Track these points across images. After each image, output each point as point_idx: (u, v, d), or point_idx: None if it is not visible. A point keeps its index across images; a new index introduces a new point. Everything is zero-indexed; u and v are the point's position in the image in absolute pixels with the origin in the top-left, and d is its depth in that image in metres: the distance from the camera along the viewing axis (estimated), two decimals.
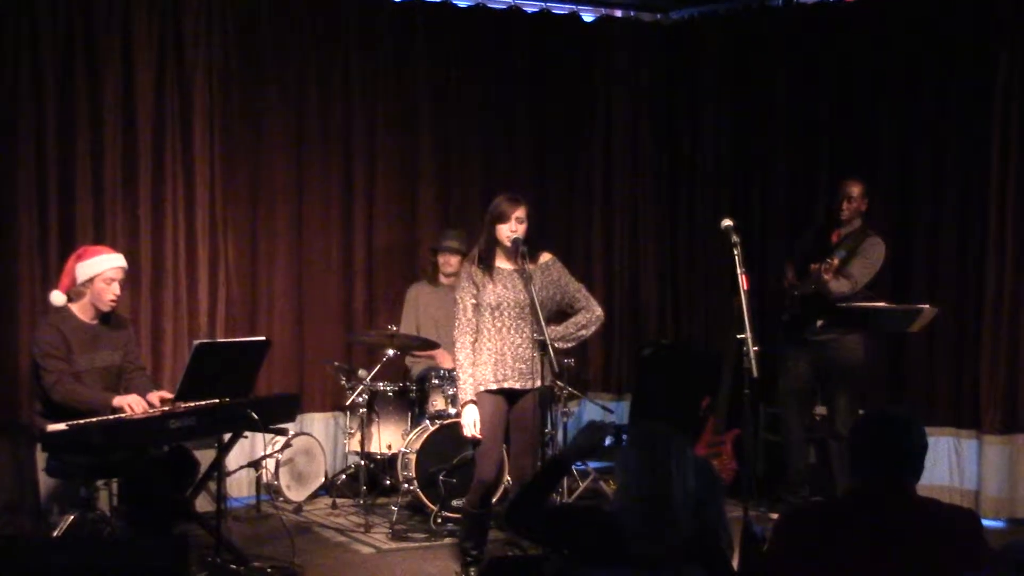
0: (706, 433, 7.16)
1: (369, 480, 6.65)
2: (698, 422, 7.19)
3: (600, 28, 8.37)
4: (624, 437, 3.33)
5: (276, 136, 7.26)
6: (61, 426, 4.80)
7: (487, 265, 5.17)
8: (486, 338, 5.14)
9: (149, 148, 6.73)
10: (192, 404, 5.07)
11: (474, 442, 5.23)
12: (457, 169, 7.91)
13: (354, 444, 6.80)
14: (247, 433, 5.52)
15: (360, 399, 6.64)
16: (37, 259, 6.39)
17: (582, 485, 6.93)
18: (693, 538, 3.06)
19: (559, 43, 8.18)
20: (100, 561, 3.58)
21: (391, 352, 6.73)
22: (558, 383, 6.47)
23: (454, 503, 6.15)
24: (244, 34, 7.08)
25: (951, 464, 6.88)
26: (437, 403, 6.56)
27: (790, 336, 6.58)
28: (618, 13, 8.41)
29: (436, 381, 6.60)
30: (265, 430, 5.35)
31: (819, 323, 6.35)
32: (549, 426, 6.04)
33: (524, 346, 5.12)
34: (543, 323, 4.96)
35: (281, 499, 6.85)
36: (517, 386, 5.13)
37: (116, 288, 5.32)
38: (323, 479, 7.13)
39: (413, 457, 6.28)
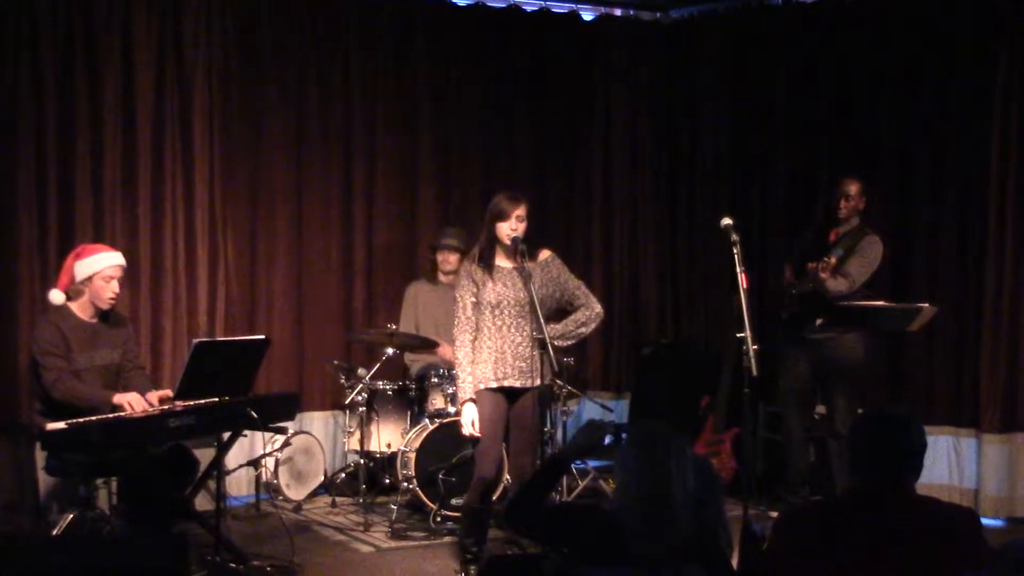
0: (705, 432, 7.16)
1: (368, 479, 6.65)
2: (697, 421, 7.20)
3: (599, 27, 8.37)
4: (623, 436, 3.33)
5: (276, 136, 7.26)
6: (60, 425, 4.80)
7: (487, 263, 5.17)
8: (486, 336, 5.14)
9: (149, 148, 6.73)
10: (191, 403, 5.07)
11: (473, 440, 5.24)
12: (457, 168, 7.91)
13: (353, 443, 6.80)
14: (246, 432, 5.52)
15: (359, 398, 6.64)
16: (37, 258, 6.39)
17: (581, 484, 6.94)
18: (693, 537, 3.06)
19: (558, 42, 8.19)
20: (99, 560, 3.57)
21: (390, 351, 6.74)
22: (557, 382, 6.47)
23: (453, 502, 6.15)
24: (244, 34, 7.08)
25: (950, 463, 6.88)
26: (436, 402, 6.57)
27: (789, 335, 6.58)
28: (617, 12, 8.41)
29: (435, 380, 6.60)
30: (264, 429, 5.35)
31: (819, 322, 6.34)
32: (548, 425, 6.04)
33: (524, 344, 5.12)
34: (542, 321, 4.96)
35: (280, 498, 6.85)
36: (517, 384, 5.13)
37: (115, 286, 5.33)
38: (322, 478, 7.13)
39: (412, 456, 6.28)
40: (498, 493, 5.86)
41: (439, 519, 6.22)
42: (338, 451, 7.42)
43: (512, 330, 5.13)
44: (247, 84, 7.12)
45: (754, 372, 4.90)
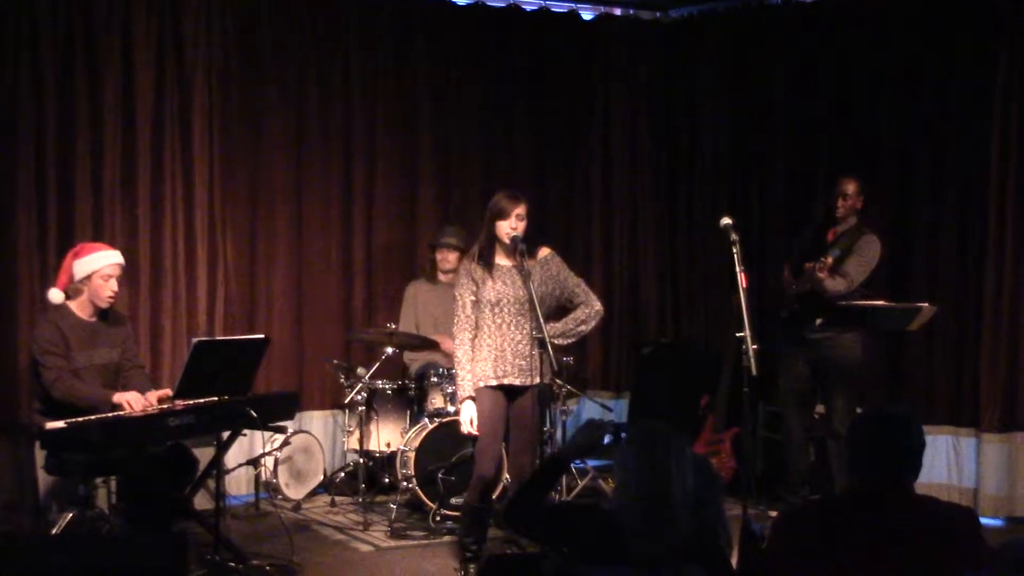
0: (705, 431, 7.16)
1: (368, 478, 6.65)
2: (697, 421, 7.20)
3: (599, 26, 8.37)
4: (623, 435, 3.33)
5: (275, 135, 7.26)
6: (60, 424, 4.80)
7: (487, 262, 5.17)
8: (486, 334, 5.14)
9: (148, 147, 6.73)
10: (191, 402, 5.07)
11: (472, 439, 5.24)
12: (456, 168, 7.91)
13: (353, 442, 6.80)
14: (246, 431, 5.52)
15: (359, 397, 6.64)
16: (36, 258, 6.39)
17: (581, 483, 6.94)
18: (692, 537, 3.06)
19: (558, 41, 8.19)
20: (99, 559, 3.57)
21: (390, 350, 6.74)
22: (557, 381, 6.47)
23: (453, 501, 6.15)
24: (244, 34, 7.08)
25: (950, 462, 6.88)
26: (436, 401, 6.57)
27: (788, 335, 6.58)
28: (617, 11, 8.41)
29: (435, 379, 6.60)
30: (264, 428, 5.35)
31: (818, 321, 6.34)
32: (548, 424, 6.04)
33: (524, 342, 5.13)
34: (542, 320, 4.96)
35: (280, 497, 6.85)
36: (517, 382, 5.13)
37: (113, 285, 5.33)
38: (322, 477, 7.13)
39: (412, 455, 6.28)
40: (498, 492, 5.87)
41: (438, 518, 6.22)
42: (337, 450, 7.42)
43: (512, 328, 5.13)
44: (247, 84, 7.12)
45: (754, 371, 4.90)
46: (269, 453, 6.76)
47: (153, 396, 5.17)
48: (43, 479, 5.92)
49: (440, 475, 6.18)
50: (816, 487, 6.62)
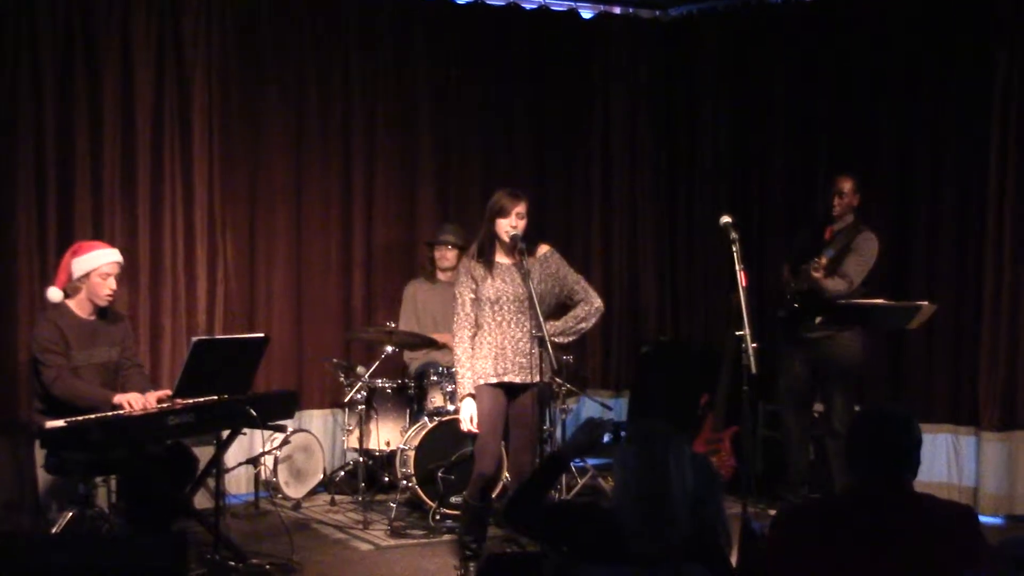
0: (705, 430, 7.16)
1: (368, 477, 6.65)
2: (697, 419, 7.20)
3: (599, 25, 8.37)
4: (622, 434, 3.33)
5: (275, 135, 7.26)
6: (60, 423, 4.80)
7: (486, 260, 5.17)
8: (486, 332, 5.14)
9: (148, 147, 6.73)
10: (191, 401, 5.07)
11: (472, 437, 5.23)
12: (456, 167, 7.91)
13: (353, 441, 6.80)
14: (246, 430, 5.53)
15: (359, 396, 6.65)
16: (36, 257, 6.39)
17: (580, 482, 6.94)
18: (692, 536, 3.06)
19: (558, 40, 8.19)
20: (99, 558, 3.57)
21: (389, 349, 6.74)
22: (557, 379, 6.47)
23: (453, 500, 6.16)
24: (243, 33, 7.08)
25: (950, 461, 6.88)
26: (436, 400, 6.57)
27: (786, 334, 6.58)
28: (616, 10, 8.41)
29: (435, 378, 6.61)
30: (264, 427, 5.36)
31: (818, 320, 6.34)
32: (547, 423, 6.04)
33: (524, 340, 5.12)
34: (541, 319, 4.96)
35: (280, 496, 6.85)
36: (517, 380, 5.13)
37: (112, 283, 5.32)
38: (322, 476, 7.14)
39: (412, 454, 6.28)
40: (498, 491, 5.87)
41: (438, 517, 6.22)
42: (337, 449, 7.43)
43: (512, 326, 5.13)
44: (247, 83, 7.12)
45: (753, 370, 4.90)
46: (269, 452, 6.76)
47: (153, 397, 5.16)
48: (43, 478, 5.91)
49: (440, 474, 6.19)
50: (816, 486, 6.63)
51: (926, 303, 6.09)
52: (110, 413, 4.99)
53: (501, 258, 5.19)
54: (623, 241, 8.47)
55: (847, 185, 6.44)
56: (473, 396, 5.14)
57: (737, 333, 4.95)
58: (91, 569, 3.52)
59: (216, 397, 5.13)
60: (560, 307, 5.33)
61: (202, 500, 5.88)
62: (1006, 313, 6.65)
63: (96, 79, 6.56)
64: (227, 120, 7.02)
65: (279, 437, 6.69)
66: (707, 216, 7.91)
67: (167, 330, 6.77)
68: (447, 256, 7.00)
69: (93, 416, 4.91)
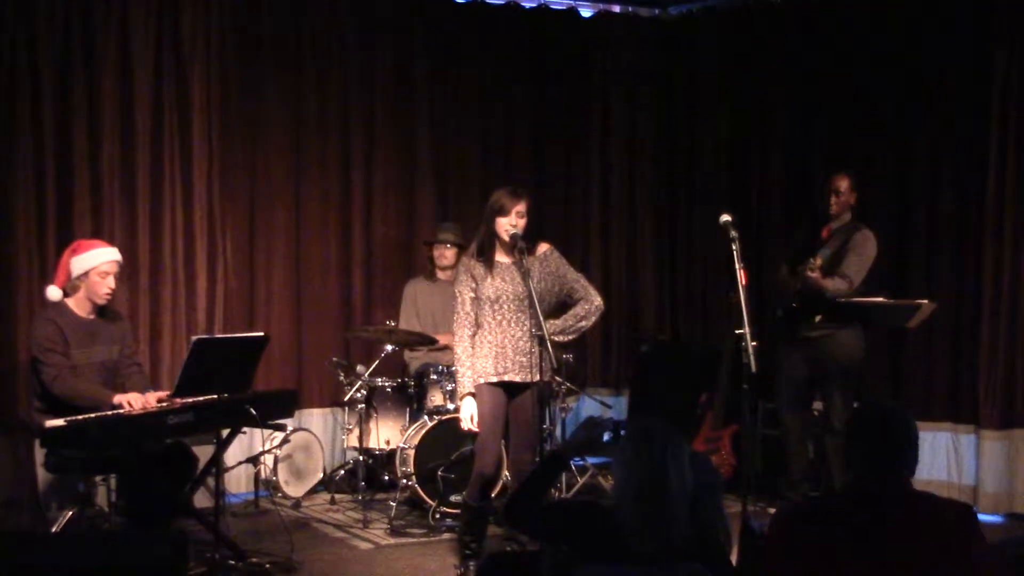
0: (704, 429, 7.16)
1: (367, 476, 6.65)
2: (696, 418, 7.20)
3: (598, 24, 8.37)
4: (622, 433, 3.33)
5: (274, 134, 7.27)
6: (59, 422, 4.80)
7: (486, 258, 5.16)
8: (486, 331, 5.14)
9: (147, 146, 6.72)
10: (190, 400, 5.07)
11: (472, 437, 5.23)
12: (455, 166, 7.92)
13: (352, 440, 6.80)
14: (245, 429, 5.53)
15: (358, 395, 6.64)
16: (35, 257, 6.39)
17: (580, 480, 6.94)
18: (692, 535, 3.06)
19: (557, 39, 8.19)
20: (99, 557, 3.57)
21: (389, 348, 6.74)
22: (556, 378, 6.46)
23: (452, 498, 6.16)
24: (242, 32, 7.08)
25: (949, 459, 6.88)
26: (435, 399, 6.57)
27: (785, 333, 6.57)
28: (616, 8, 8.42)
29: (434, 377, 6.61)
30: (263, 426, 5.36)
31: (817, 318, 6.34)
32: (547, 421, 6.04)
33: (524, 339, 5.11)
34: (541, 318, 4.95)
35: (279, 495, 6.85)
36: (517, 379, 5.12)
37: (111, 282, 5.32)
38: (321, 475, 7.14)
39: (411, 453, 6.28)
40: (497, 489, 5.87)
41: (438, 516, 6.22)
42: (337, 448, 7.43)
43: (512, 325, 5.12)
44: (245, 82, 7.12)
45: (753, 368, 4.89)
46: (269, 451, 6.76)
47: (153, 397, 5.16)
48: (43, 477, 5.92)
49: (439, 473, 6.19)
50: (815, 484, 6.62)
51: (926, 302, 6.09)
52: (110, 412, 4.99)
53: (501, 257, 5.18)
54: (622, 239, 8.47)
55: (843, 183, 6.44)
56: (473, 395, 5.13)
57: (737, 331, 4.94)
58: (91, 568, 3.52)
59: (216, 396, 5.12)
60: (560, 306, 5.32)
61: (202, 499, 5.87)
62: (1005, 312, 6.64)
63: (95, 79, 6.56)
64: (226, 119, 7.02)
65: (279, 436, 6.69)
66: (706, 214, 7.91)
67: (167, 329, 6.77)
68: (446, 255, 7.01)
69: (93, 415, 4.91)
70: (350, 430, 6.88)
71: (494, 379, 5.12)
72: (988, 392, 6.66)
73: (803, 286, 6.28)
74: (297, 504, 6.83)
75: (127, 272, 6.30)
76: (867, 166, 7.15)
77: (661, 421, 3.18)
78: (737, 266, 4.92)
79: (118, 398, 5.08)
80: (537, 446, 5.24)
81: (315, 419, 7.38)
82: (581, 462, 7.02)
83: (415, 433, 6.38)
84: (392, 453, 6.63)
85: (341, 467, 7.20)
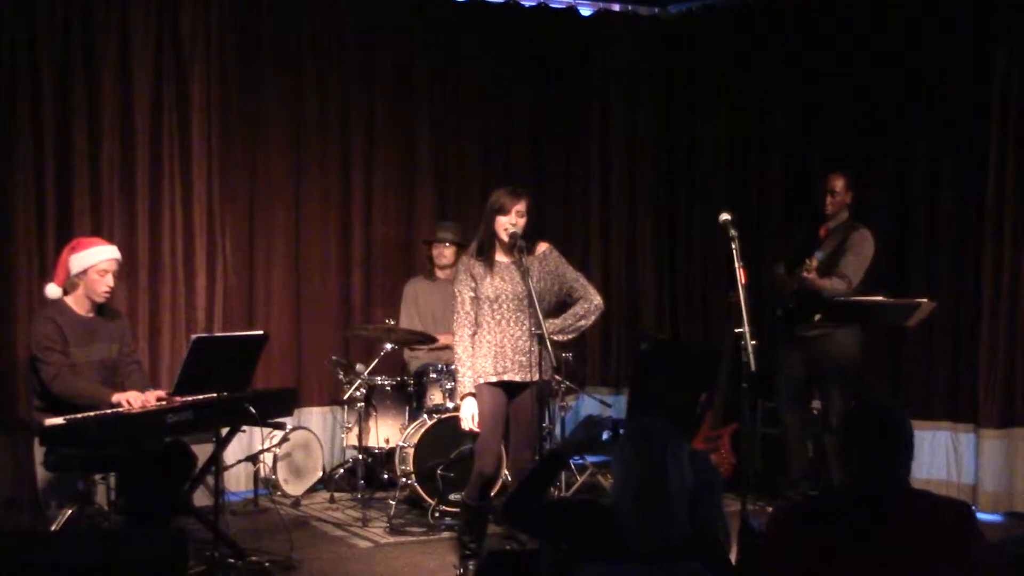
0: (704, 428, 7.16)
1: (367, 474, 6.65)
2: (696, 417, 7.20)
3: (598, 22, 8.37)
4: (621, 431, 3.33)
5: (274, 133, 7.27)
6: (59, 420, 4.80)
7: (486, 258, 5.16)
8: (486, 331, 5.13)
9: (147, 145, 6.73)
10: (190, 398, 5.07)
11: (472, 436, 5.23)
12: (455, 166, 7.92)
13: (352, 438, 6.80)
14: (245, 427, 5.52)
15: (358, 393, 6.64)
16: (35, 256, 6.39)
17: (580, 479, 6.94)
18: (691, 534, 3.05)
19: (557, 38, 8.19)
20: (98, 556, 3.57)
21: (389, 346, 6.74)
22: (556, 377, 6.46)
23: (452, 497, 6.16)
24: (242, 32, 7.08)
25: (948, 458, 6.88)
26: (435, 397, 6.57)
27: (783, 332, 6.57)
28: (616, 7, 8.42)
29: (434, 375, 6.61)
30: (263, 424, 5.35)
31: (817, 317, 6.34)
32: (547, 420, 6.04)
33: (524, 339, 5.11)
34: (540, 317, 4.94)
35: (279, 493, 6.85)
36: (517, 378, 5.12)
37: (110, 280, 5.32)
38: (321, 473, 7.14)
39: (411, 451, 6.28)
40: (497, 488, 5.87)
41: (437, 514, 6.22)
42: (336, 447, 7.43)
43: (511, 324, 5.12)
44: (245, 81, 7.12)
45: (753, 367, 4.89)
46: (268, 449, 6.76)
47: (152, 396, 5.16)
48: (42, 475, 5.92)
49: (439, 471, 6.19)
50: (815, 483, 6.62)
51: (925, 300, 6.09)
52: (109, 411, 4.99)
53: (501, 256, 5.17)
54: (622, 239, 8.47)
55: (839, 183, 6.44)
56: (474, 395, 5.13)
57: (736, 330, 4.94)
58: (91, 567, 3.52)
59: (215, 394, 5.12)
60: (560, 305, 5.32)
61: (201, 497, 5.87)
62: (1005, 311, 6.65)
63: (95, 79, 6.56)
64: (226, 119, 7.02)
65: (278, 434, 6.69)
66: (706, 214, 7.91)
67: (166, 327, 6.77)
68: (445, 253, 7.01)
69: (92, 413, 4.91)
70: (349, 429, 6.88)
71: (493, 379, 5.11)
72: (987, 391, 6.66)
73: (800, 287, 6.28)
74: (296, 503, 6.83)
75: (126, 270, 6.31)
76: (867, 166, 7.15)
77: (660, 420, 3.18)
78: (736, 265, 4.92)
79: (117, 396, 5.08)
80: (537, 445, 5.24)
81: (314, 418, 7.38)
82: (580, 461, 7.02)
83: (414, 432, 6.38)
84: (391, 452, 6.63)
85: (340, 466, 7.20)
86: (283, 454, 6.88)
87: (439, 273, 7.08)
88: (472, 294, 5.15)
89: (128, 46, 6.63)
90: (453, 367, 5.39)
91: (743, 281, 4.91)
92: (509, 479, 5.66)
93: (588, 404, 7.89)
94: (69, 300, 5.31)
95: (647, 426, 3.14)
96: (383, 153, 7.65)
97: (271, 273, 7.29)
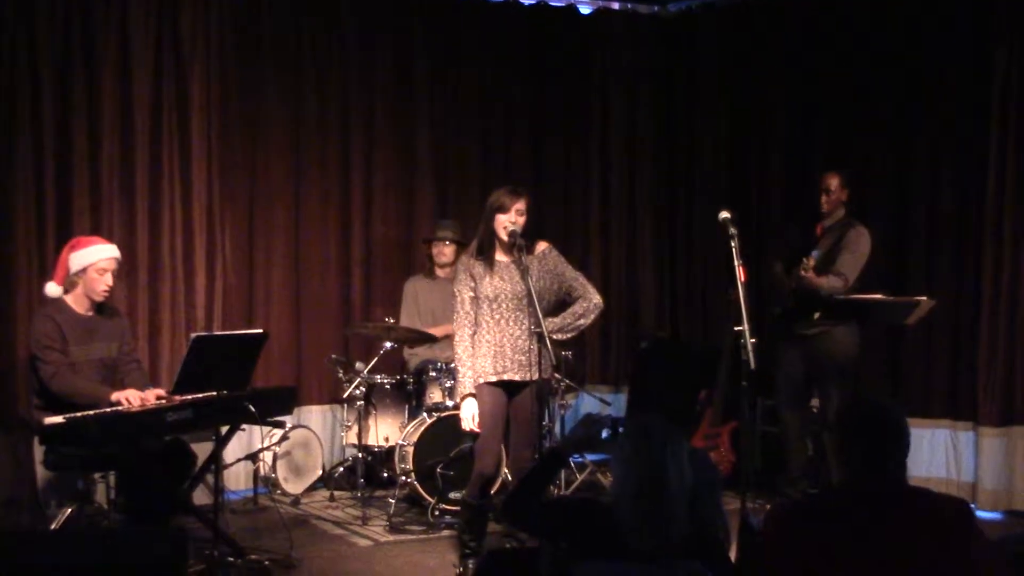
0: (703, 426, 7.17)
1: (366, 473, 6.65)
2: (695, 415, 7.20)
3: (597, 21, 8.37)
4: (621, 430, 3.33)
5: (273, 132, 7.27)
6: (58, 419, 4.80)
7: (486, 257, 5.16)
8: (485, 330, 5.13)
9: (146, 144, 6.73)
10: (189, 397, 5.07)
11: (472, 435, 5.23)
12: (455, 165, 7.92)
13: (351, 437, 6.81)
14: (244, 426, 5.52)
15: (357, 392, 6.65)
16: (35, 255, 6.39)
17: (579, 478, 6.94)
18: (691, 532, 3.06)
19: (557, 36, 8.19)
20: (98, 555, 3.57)
21: (388, 345, 6.74)
22: (556, 376, 6.46)
23: (451, 495, 6.16)
24: (241, 31, 7.08)
25: (948, 456, 6.89)
26: (434, 396, 6.58)
27: (781, 331, 6.57)
28: (615, 5, 8.42)
29: (433, 374, 6.61)
30: (262, 423, 5.35)
31: (816, 315, 6.34)
32: (547, 419, 6.04)
33: (523, 338, 5.11)
34: (540, 316, 4.94)
35: (278, 492, 6.86)
36: (517, 378, 5.12)
37: (109, 279, 5.32)
38: (320, 472, 7.14)
39: (410, 450, 6.29)
40: (497, 487, 5.87)
41: (437, 513, 6.22)
42: (336, 445, 7.43)
43: (511, 324, 5.12)
44: (245, 81, 7.12)
45: (752, 365, 4.89)
46: (268, 448, 6.76)
47: (151, 394, 5.16)
48: (42, 474, 5.92)
49: (439, 470, 6.19)
50: (814, 481, 6.63)
51: (924, 298, 6.09)
52: (109, 409, 4.99)
53: (500, 256, 5.17)
54: (622, 238, 8.47)
55: (834, 181, 6.44)
56: (474, 395, 5.13)
57: (736, 328, 4.94)
58: (90, 566, 3.51)
59: (215, 393, 5.12)
60: (559, 304, 5.32)
61: (201, 496, 5.87)
62: (1004, 309, 6.65)
63: (95, 78, 6.56)
64: (226, 119, 7.02)
65: (278, 433, 6.68)
66: (706, 213, 7.91)
67: (166, 326, 6.77)
68: (444, 252, 7.02)
69: (92, 412, 4.91)
70: (349, 427, 6.88)
71: (493, 378, 5.11)
72: (987, 389, 6.67)
73: (797, 285, 6.28)
74: (296, 501, 6.83)
75: (126, 269, 6.31)
76: (867, 166, 7.16)
77: (660, 418, 3.18)
78: (736, 263, 4.92)
79: (116, 395, 5.08)
80: (536, 443, 5.24)
81: (314, 416, 7.39)
82: (580, 459, 7.02)
83: (414, 430, 6.38)
84: (391, 450, 6.64)
85: (340, 464, 7.20)
86: (283, 452, 6.88)
87: (439, 272, 7.09)
88: (472, 294, 5.15)
89: (128, 46, 6.63)
90: (453, 365, 5.38)
91: (743, 279, 4.91)
92: (509, 478, 5.65)
93: (588, 402, 7.89)
94: (68, 299, 5.31)
95: (646, 424, 3.14)
96: (383, 153, 7.65)
97: (271, 272, 7.29)
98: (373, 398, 6.78)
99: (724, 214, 5.06)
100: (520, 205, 5.09)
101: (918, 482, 3.07)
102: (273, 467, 6.83)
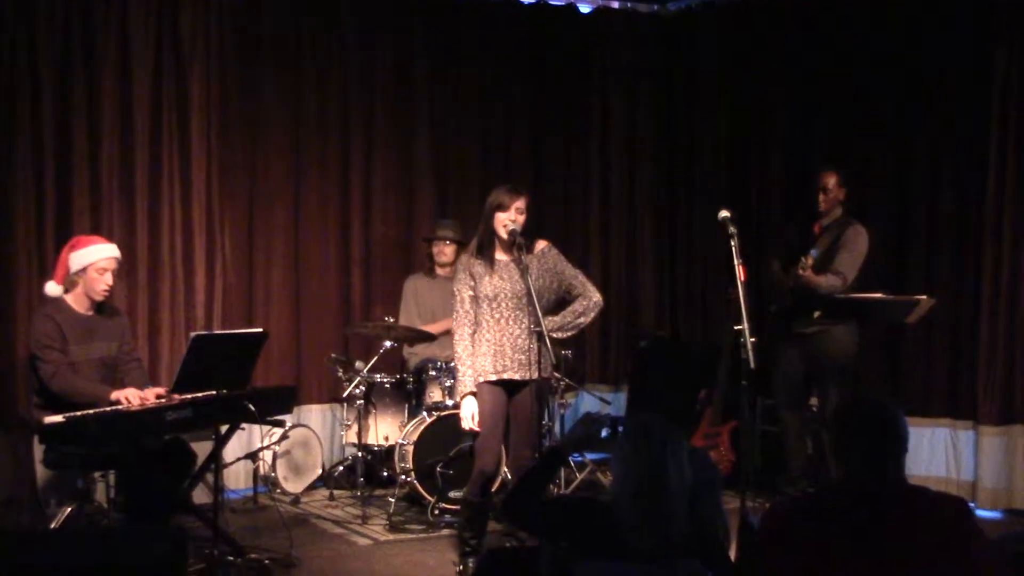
0: (703, 425, 7.17)
1: (366, 472, 6.66)
2: (695, 414, 7.20)
3: (597, 20, 8.37)
4: (620, 429, 3.33)
5: (273, 131, 7.27)
6: (58, 418, 4.80)
7: (486, 256, 5.16)
8: (485, 329, 5.13)
9: (146, 144, 6.73)
10: (189, 396, 5.07)
11: (472, 434, 5.23)
12: (454, 163, 7.92)
13: (351, 436, 6.81)
14: (244, 425, 5.52)
15: (357, 391, 6.65)
16: (35, 254, 6.39)
17: (579, 476, 6.95)
18: (691, 531, 3.06)
19: (556, 35, 8.19)
20: (98, 554, 3.57)
21: (388, 344, 6.74)
22: (555, 375, 6.47)
23: (451, 494, 6.16)
24: (241, 31, 7.08)
25: (948, 455, 6.89)
26: (434, 395, 6.58)
27: (780, 330, 6.57)
28: (615, 4, 8.42)
29: (433, 373, 6.61)
30: (262, 422, 5.35)
31: (816, 314, 6.34)
32: (546, 418, 6.04)
33: (523, 337, 5.11)
34: (540, 314, 4.94)
35: (278, 491, 6.86)
36: (517, 377, 5.12)
37: (109, 278, 5.32)
38: (320, 471, 7.14)
39: (410, 449, 6.29)
40: (497, 485, 5.87)
41: (437, 512, 6.22)
42: (336, 444, 7.43)
43: (510, 323, 5.12)
44: (245, 81, 7.12)
45: (752, 365, 4.89)
46: (267, 447, 6.76)
47: (151, 393, 5.16)
48: (41, 473, 5.92)
49: (438, 468, 6.19)
50: (814, 480, 6.63)
51: (924, 297, 6.09)
52: (108, 408, 4.99)
53: (500, 255, 5.17)
54: (622, 238, 8.47)
55: (831, 180, 6.44)
56: (474, 394, 5.13)
57: (736, 328, 4.94)
58: (90, 565, 3.52)
59: (214, 392, 5.12)
60: (559, 303, 5.32)
61: (200, 495, 5.88)
62: (1004, 308, 6.65)
63: (95, 78, 6.56)
64: (225, 118, 7.02)
65: (277, 432, 6.68)
66: (706, 212, 7.91)
67: (165, 325, 6.77)
68: (444, 251, 7.02)
69: (91, 411, 4.91)
70: (349, 426, 6.88)
71: (493, 377, 5.11)
72: (987, 388, 6.67)
73: (796, 284, 6.29)
74: (296, 500, 6.83)
75: (126, 269, 6.31)
76: (867, 166, 7.16)
77: (660, 417, 3.18)
78: (736, 262, 4.92)
79: (116, 394, 5.09)
80: (536, 442, 5.24)
81: (314, 415, 7.39)
82: (580, 458, 7.03)
83: (414, 429, 6.38)
84: (391, 449, 6.64)
85: (340, 463, 7.20)
86: (282, 452, 6.88)
87: (439, 271, 7.09)
88: (471, 293, 5.15)
89: (128, 46, 6.64)
90: (452, 364, 5.38)
91: (742, 278, 4.91)
92: (509, 477, 5.65)
93: (587, 401, 7.89)
94: (68, 298, 5.31)
95: (646, 423, 3.14)
96: (383, 153, 7.65)
97: (270, 271, 7.30)
98: (373, 397, 6.79)
99: (724, 213, 5.05)
100: (520, 204, 5.09)
101: (918, 481, 3.06)
102: (273, 466, 6.83)
